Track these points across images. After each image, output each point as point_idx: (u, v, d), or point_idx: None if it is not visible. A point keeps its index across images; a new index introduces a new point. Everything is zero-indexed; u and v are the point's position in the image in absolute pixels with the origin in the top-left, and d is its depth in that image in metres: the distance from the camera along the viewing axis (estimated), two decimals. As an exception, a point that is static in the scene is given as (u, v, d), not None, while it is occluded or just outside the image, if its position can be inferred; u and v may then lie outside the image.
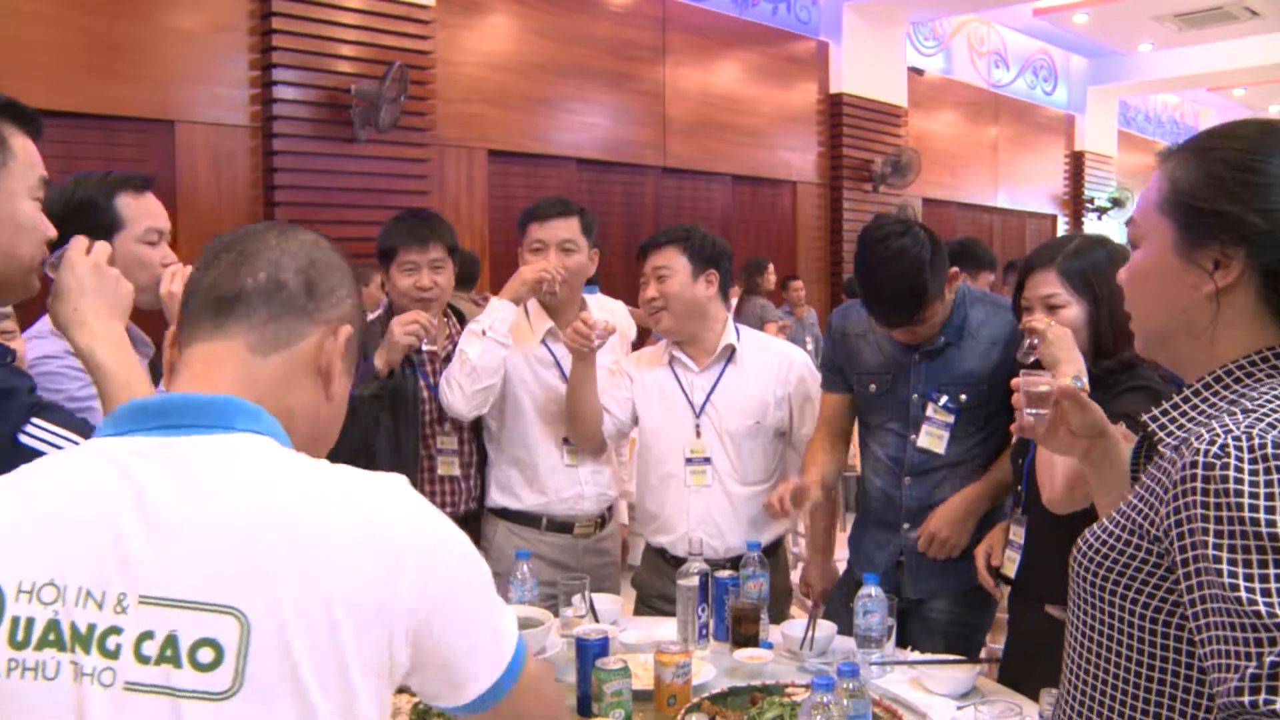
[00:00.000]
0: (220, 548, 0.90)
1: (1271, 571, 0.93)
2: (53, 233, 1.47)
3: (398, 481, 1.00)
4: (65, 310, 1.48)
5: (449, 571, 0.98)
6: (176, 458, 0.95)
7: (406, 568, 0.94)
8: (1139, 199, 1.21)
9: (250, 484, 0.93)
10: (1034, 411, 1.45)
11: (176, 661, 0.88)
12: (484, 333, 2.63)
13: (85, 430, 1.39)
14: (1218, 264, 1.08)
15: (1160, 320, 1.17)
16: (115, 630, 0.89)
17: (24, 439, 1.32)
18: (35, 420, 1.34)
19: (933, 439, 2.44)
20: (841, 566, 2.74)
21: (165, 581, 0.90)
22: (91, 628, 0.89)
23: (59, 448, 1.32)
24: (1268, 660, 0.90)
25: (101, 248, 1.54)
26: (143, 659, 0.89)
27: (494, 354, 2.62)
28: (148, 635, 0.89)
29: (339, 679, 0.91)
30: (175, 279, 1.86)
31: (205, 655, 0.88)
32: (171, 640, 0.89)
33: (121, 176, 2.00)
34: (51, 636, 0.89)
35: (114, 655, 0.89)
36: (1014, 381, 1.50)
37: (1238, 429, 0.98)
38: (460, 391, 2.61)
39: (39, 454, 1.22)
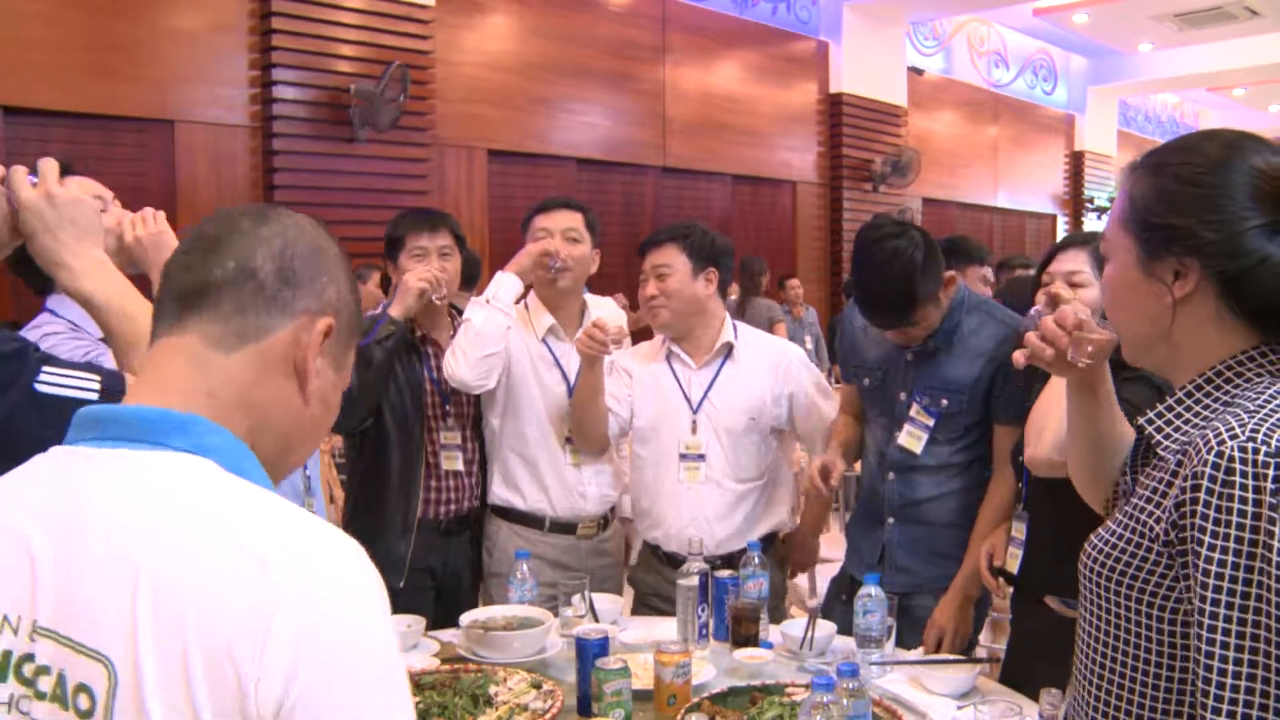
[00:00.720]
0: (102, 586, 0.82)
1: None
2: None
3: (336, 540, 0.84)
4: (39, 253, 1.43)
5: (336, 653, 0.79)
6: (94, 475, 0.87)
7: (278, 633, 0.77)
8: (1108, 215, 1.25)
9: (151, 516, 0.83)
10: (1085, 360, 1.38)
11: (64, 702, 0.82)
12: (487, 301, 2.65)
13: (92, 369, 1.40)
14: (1177, 274, 1.12)
15: (1137, 330, 1.20)
16: (28, 658, 0.84)
17: (40, 387, 1.34)
18: (46, 369, 1.36)
19: (912, 439, 2.46)
20: (835, 567, 2.76)
21: (57, 615, 0.83)
22: (8, 654, 0.84)
23: (73, 388, 1.34)
24: None
25: (46, 167, 1.44)
26: (40, 694, 0.83)
27: (497, 321, 2.63)
28: (45, 670, 0.83)
29: None
30: (136, 225, 1.84)
31: (83, 701, 0.81)
32: (61, 679, 0.82)
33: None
34: None
35: (27, 684, 0.84)
36: (1071, 321, 1.36)
37: (1244, 432, 0.99)
38: (464, 357, 2.61)
39: (57, 398, 1.24)
